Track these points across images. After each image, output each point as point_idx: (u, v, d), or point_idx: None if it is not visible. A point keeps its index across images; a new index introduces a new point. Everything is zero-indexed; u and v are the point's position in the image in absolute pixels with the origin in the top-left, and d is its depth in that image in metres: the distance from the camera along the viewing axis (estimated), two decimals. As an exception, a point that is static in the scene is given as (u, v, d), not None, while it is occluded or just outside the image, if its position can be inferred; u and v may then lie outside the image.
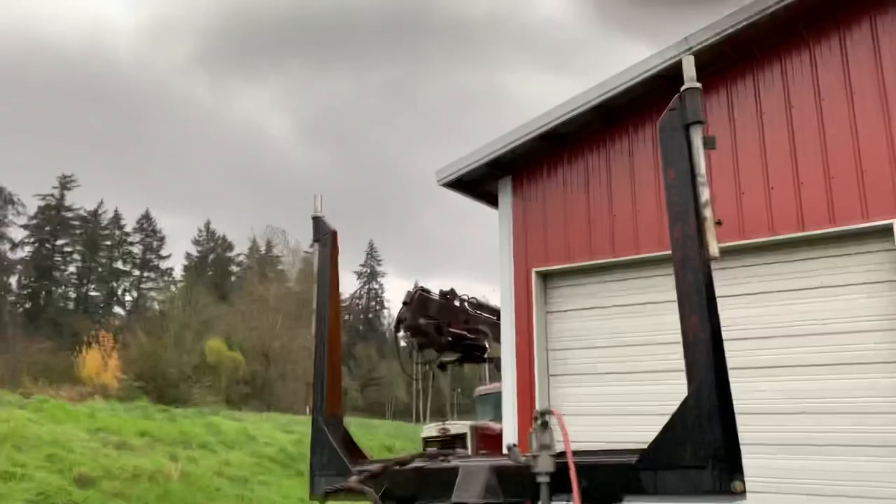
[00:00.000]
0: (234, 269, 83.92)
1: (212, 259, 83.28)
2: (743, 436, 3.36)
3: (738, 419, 3.34)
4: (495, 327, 7.54)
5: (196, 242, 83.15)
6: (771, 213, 7.27)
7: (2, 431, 18.56)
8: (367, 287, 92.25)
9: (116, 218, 79.41)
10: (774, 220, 7.24)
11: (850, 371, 6.71)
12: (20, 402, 24.09)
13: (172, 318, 54.70)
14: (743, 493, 3.24)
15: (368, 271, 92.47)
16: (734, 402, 3.34)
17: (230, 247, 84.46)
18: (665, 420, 3.41)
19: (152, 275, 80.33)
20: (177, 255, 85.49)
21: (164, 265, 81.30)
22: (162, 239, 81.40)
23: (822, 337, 6.89)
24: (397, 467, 4.13)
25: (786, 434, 6.83)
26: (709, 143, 3.17)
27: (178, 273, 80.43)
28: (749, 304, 7.21)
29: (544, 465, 3.50)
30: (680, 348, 3.42)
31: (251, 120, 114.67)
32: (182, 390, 44.77)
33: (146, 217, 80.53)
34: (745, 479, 3.28)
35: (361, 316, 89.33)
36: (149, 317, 62.17)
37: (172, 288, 72.10)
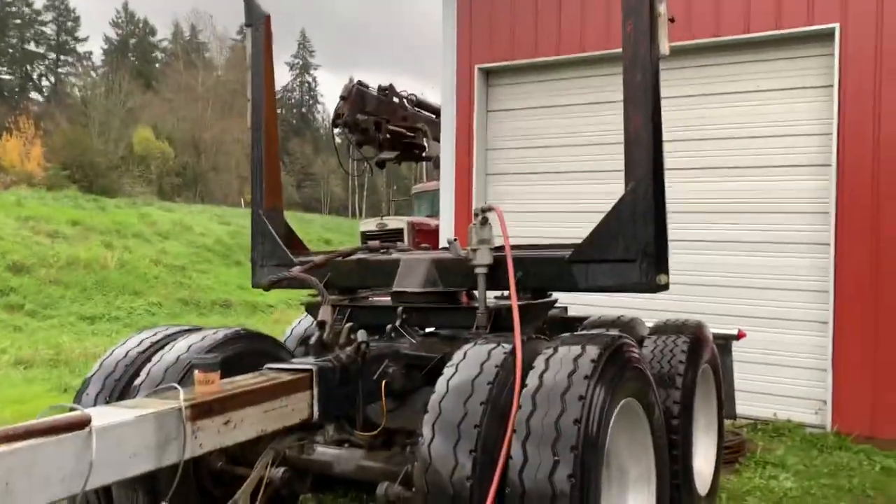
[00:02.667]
0: (158, 55, 79.17)
1: (133, 44, 78.05)
2: (671, 233, 3.53)
3: (670, 218, 3.49)
4: (434, 125, 7.42)
5: (115, 25, 77.40)
6: (718, 13, 7.13)
7: (-76, 218, 18.04)
8: (299, 80, 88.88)
9: (23, -7, 72.45)
10: (721, 21, 7.13)
11: (784, 173, 6.97)
12: (-60, 188, 23.25)
13: (95, 105, 52.14)
14: (666, 285, 3.47)
15: (301, 62, 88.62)
16: (668, 201, 3.47)
17: (152, 31, 79.04)
18: (601, 218, 3.54)
19: (69, 59, 75.24)
20: (95, 39, 79.75)
21: (81, 49, 75.98)
22: (76, 19, 75.36)
23: (760, 140, 7.07)
24: (340, 259, 4.24)
25: (712, 232, 7.20)
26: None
27: (97, 58, 75.56)
28: (691, 105, 7.26)
29: (483, 257, 3.65)
30: (621, 149, 3.48)
31: None
32: (111, 180, 43.75)
33: (56, -7, 73.70)
34: (670, 272, 3.50)
35: (294, 110, 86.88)
36: (69, 103, 59.02)
37: (93, 74, 68.04)
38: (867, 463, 5.79)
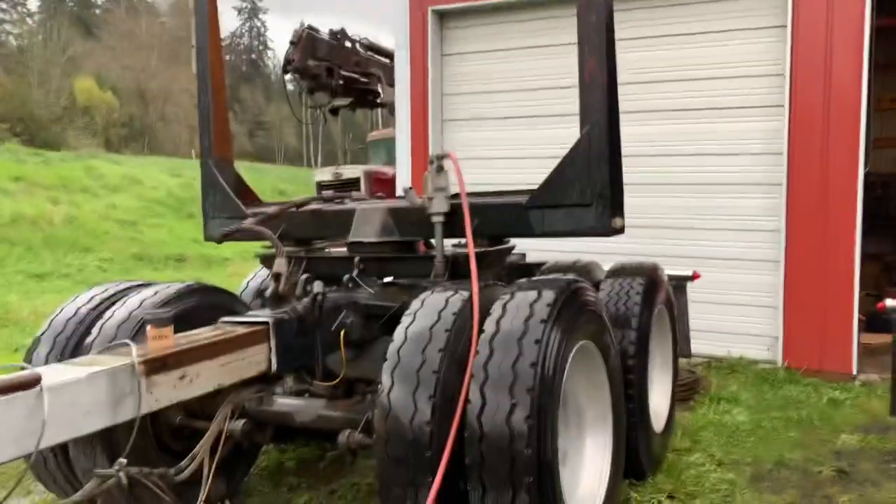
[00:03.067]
0: (98, 0, 75.90)
1: (71, -12, 74.60)
2: (626, 176, 3.53)
3: (624, 161, 3.49)
4: (389, 71, 7.26)
5: (49, -32, 73.68)
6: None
7: None
8: (248, 25, 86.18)
9: (-53, -66, 68.31)
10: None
11: (737, 114, 7.01)
12: None
13: (33, 54, 49.94)
14: (622, 229, 3.49)
15: (249, 6, 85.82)
16: (622, 144, 3.46)
17: (91, -26, 75.50)
18: (557, 163, 3.52)
19: (2, 5, 71.70)
20: (29, -17, 75.68)
21: (15, -6, 72.32)
22: (8, -38, 71.52)
23: (714, 81, 7.08)
24: (294, 209, 4.16)
25: (667, 174, 7.25)
26: None
27: (33, 4, 72.16)
28: (645, 46, 7.22)
29: (439, 205, 3.61)
30: (577, 92, 3.44)
31: None
32: (54, 133, 42.18)
33: (-16, -66, 69.68)
34: (625, 215, 3.51)
35: (244, 56, 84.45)
36: (4, 53, 56.39)
37: (28, 21, 64.99)
38: (815, 395, 6.02)
